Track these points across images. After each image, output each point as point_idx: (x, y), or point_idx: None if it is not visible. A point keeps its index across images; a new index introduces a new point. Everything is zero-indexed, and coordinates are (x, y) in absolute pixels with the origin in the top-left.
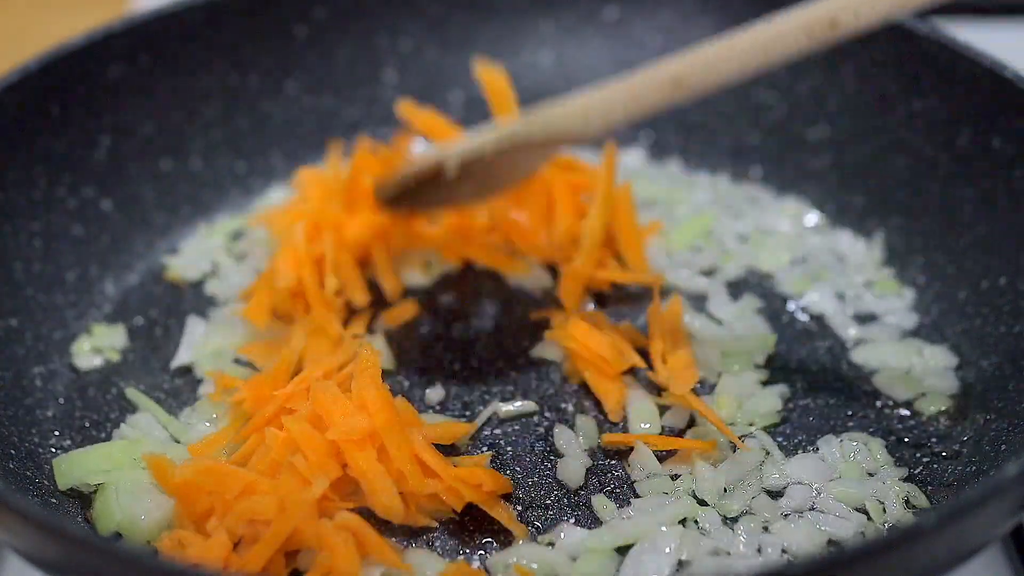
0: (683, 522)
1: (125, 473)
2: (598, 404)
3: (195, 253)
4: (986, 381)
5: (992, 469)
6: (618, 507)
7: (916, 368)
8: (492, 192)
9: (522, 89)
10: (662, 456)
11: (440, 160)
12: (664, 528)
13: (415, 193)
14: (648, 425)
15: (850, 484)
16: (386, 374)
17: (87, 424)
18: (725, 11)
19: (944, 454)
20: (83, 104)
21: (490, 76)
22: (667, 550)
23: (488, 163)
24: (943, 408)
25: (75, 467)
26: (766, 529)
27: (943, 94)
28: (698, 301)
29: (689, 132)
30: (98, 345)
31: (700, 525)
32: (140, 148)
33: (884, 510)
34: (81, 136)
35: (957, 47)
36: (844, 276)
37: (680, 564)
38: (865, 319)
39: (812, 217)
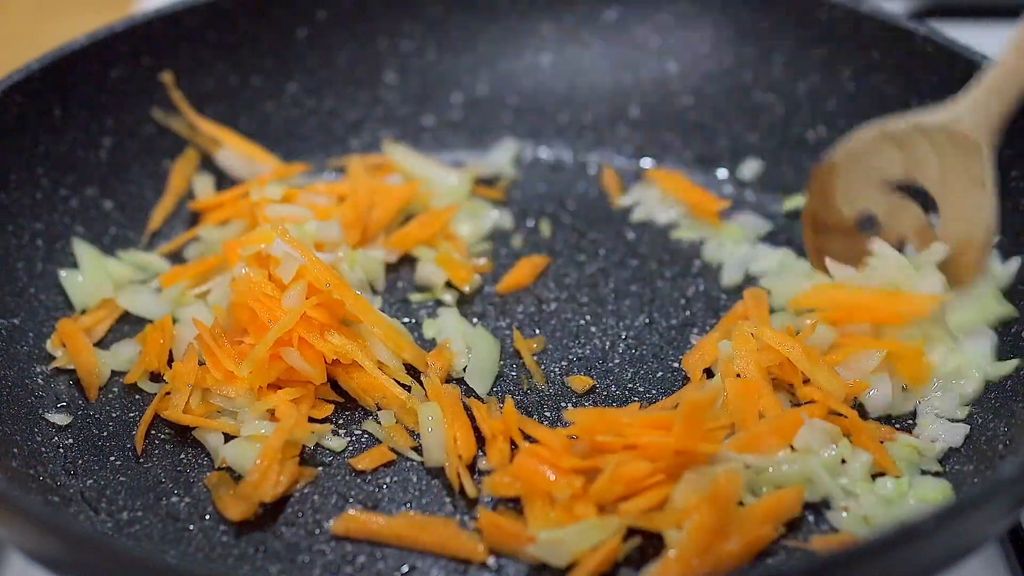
0: None
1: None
2: None
3: None
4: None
5: (989, 469)
6: None
7: None
8: None
9: (522, 90)
10: None
11: None
12: None
13: None
14: None
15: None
16: None
17: (89, 423)
18: (724, 12)
19: None
20: (85, 104)
21: None
22: None
23: None
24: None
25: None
26: None
27: (941, 95)
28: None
29: (689, 132)
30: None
31: None
32: (142, 149)
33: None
34: (83, 136)
35: (956, 48)
36: None
37: None
38: None
39: None
